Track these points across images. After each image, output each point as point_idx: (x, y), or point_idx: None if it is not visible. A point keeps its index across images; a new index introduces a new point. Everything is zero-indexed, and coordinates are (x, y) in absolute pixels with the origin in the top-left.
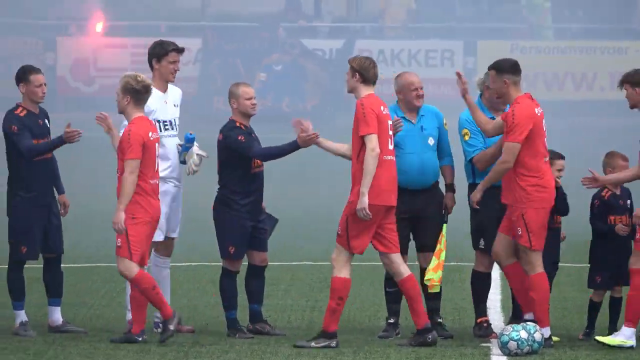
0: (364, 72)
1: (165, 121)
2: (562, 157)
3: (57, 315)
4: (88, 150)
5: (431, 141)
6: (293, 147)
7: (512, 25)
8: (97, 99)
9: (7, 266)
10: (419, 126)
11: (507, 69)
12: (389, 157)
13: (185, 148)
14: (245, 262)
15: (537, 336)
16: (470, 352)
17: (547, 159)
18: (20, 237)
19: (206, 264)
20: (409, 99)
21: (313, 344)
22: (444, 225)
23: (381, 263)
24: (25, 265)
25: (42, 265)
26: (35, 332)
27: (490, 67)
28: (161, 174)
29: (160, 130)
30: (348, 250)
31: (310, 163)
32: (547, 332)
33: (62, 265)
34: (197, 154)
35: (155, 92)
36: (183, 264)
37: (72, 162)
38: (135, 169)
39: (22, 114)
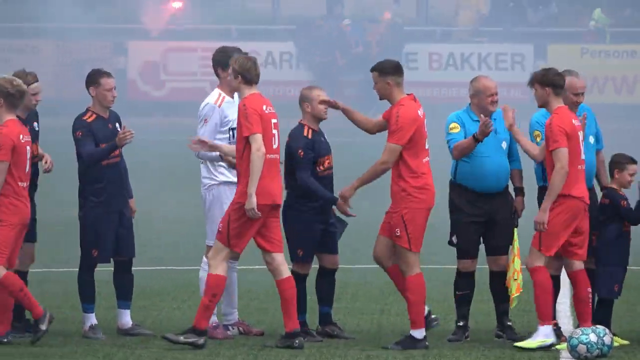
0: (245, 73)
1: (235, 129)
2: (635, 162)
3: (126, 318)
4: (153, 154)
5: (504, 145)
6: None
7: (582, 29)
8: (167, 103)
9: (77, 269)
10: (493, 130)
11: (390, 70)
12: (273, 156)
13: None
14: (315, 265)
15: (607, 340)
16: (540, 356)
17: (427, 159)
18: (91, 241)
19: None
20: (483, 104)
21: (182, 338)
22: (514, 229)
23: (452, 266)
24: (95, 268)
25: (111, 269)
26: (105, 335)
27: (372, 69)
28: (236, 180)
29: (233, 138)
30: (228, 248)
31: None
32: (420, 333)
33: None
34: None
35: (227, 99)
36: (253, 267)
37: (138, 165)
38: (3, 171)
39: (90, 119)
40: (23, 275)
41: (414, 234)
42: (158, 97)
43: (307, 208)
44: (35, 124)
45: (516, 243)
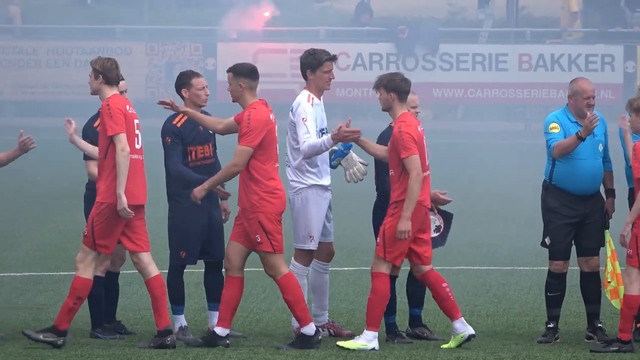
0: (107, 73)
1: (323, 129)
2: None
3: (216, 320)
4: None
5: (600, 147)
6: None
7: None
8: None
9: (166, 271)
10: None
11: (244, 73)
12: (136, 156)
13: (340, 153)
14: (405, 267)
15: None
16: (630, 357)
17: (277, 165)
18: (179, 243)
19: (365, 268)
20: (579, 106)
21: (41, 336)
22: (606, 231)
23: (542, 268)
24: (185, 270)
25: (202, 270)
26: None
27: (229, 70)
28: (325, 183)
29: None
30: (95, 251)
31: (472, 168)
32: (310, 328)
33: (222, 270)
34: (360, 162)
35: (315, 101)
36: (343, 268)
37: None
38: None
39: (180, 123)
40: (114, 276)
41: (274, 236)
42: None
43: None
44: None
45: (611, 245)
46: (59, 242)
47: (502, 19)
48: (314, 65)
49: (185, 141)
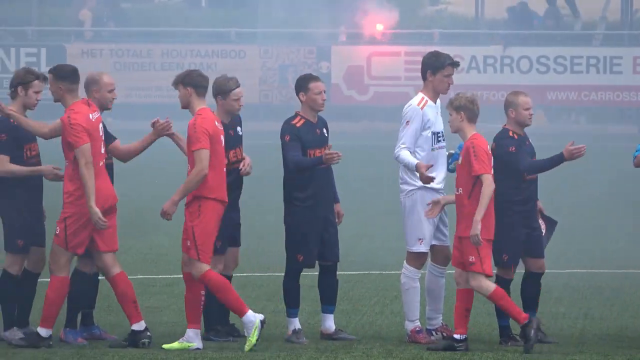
0: None
1: (438, 133)
2: None
3: (330, 323)
4: (353, 160)
5: None
6: (558, 161)
7: None
8: (371, 108)
9: (279, 274)
10: None
11: (63, 76)
12: None
13: (456, 157)
14: (520, 270)
15: None
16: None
17: (102, 163)
18: (297, 246)
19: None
20: None
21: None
22: None
23: None
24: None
25: (315, 273)
26: (308, 340)
27: (50, 71)
28: (436, 186)
29: (434, 143)
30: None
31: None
32: (46, 332)
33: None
34: None
35: (429, 104)
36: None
37: (341, 170)
38: None
39: (298, 124)
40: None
41: (71, 236)
42: (362, 102)
43: (512, 212)
44: (239, 128)
45: None
46: (170, 246)
47: (616, 22)
48: (436, 67)
49: (304, 143)
